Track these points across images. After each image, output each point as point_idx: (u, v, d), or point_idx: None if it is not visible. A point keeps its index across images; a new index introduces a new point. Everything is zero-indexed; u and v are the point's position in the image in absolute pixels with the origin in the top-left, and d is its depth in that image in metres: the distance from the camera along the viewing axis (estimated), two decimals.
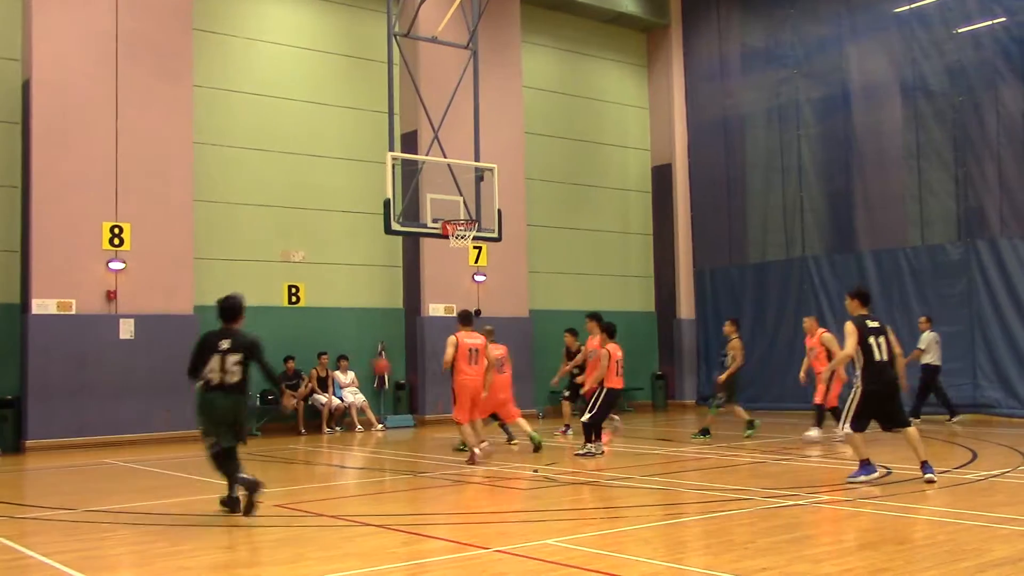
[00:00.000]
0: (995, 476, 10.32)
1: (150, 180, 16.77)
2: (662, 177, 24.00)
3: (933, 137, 18.72)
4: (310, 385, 18.16)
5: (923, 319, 17.23)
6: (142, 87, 16.79)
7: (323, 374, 18.38)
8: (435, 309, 19.80)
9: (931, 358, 16.82)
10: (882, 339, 10.01)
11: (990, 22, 17.80)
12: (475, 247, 19.59)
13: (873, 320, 10.19)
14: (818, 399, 14.91)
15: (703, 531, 7.85)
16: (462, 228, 15.96)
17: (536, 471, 11.52)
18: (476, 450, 12.38)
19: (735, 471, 11.54)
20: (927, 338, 16.90)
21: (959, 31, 18.27)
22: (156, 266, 16.72)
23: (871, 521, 7.80)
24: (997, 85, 17.71)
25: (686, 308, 23.45)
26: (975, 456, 12.09)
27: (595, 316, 14.49)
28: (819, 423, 14.88)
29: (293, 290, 18.81)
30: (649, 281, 24.14)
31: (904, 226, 19.23)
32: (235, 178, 18.39)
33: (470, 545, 7.20)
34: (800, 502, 8.78)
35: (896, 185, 19.43)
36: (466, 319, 13.14)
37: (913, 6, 19.02)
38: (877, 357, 9.86)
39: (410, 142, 19.19)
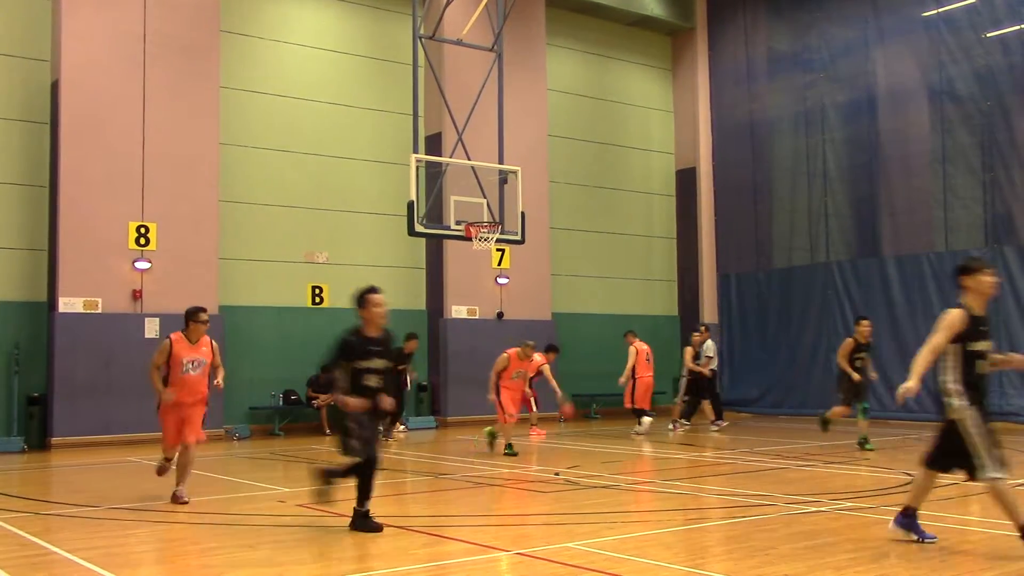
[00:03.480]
0: (1020, 485, 10.21)
1: (177, 180, 16.89)
2: (686, 181, 23.93)
3: (960, 142, 18.55)
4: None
5: (703, 329, 18.73)
6: (170, 88, 16.92)
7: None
8: (458, 311, 19.83)
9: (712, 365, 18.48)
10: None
11: (1020, 26, 17.64)
12: (498, 249, 19.61)
13: None
14: None
15: (725, 536, 7.82)
16: (485, 230, 15.98)
17: (558, 474, 11.51)
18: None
19: (758, 477, 11.48)
20: (710, 347, 18.41)
21: (988, 35, 18.11)
22: (182, 266, 16.83)
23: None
24: None
25: (709, 312, 23.35)
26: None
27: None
28: None
29: (317, 291, 18.89)
30: (672, 285, 24.08)
31: (929, 232, 19.08)
32: (260, 179, 18.50)
33: (491, 547, 7.20)
34: (823, 509, 8.72)
35: (921, 190, 19.27)
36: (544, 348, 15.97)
37: (941, 10, 18.86)
38: None
39: (434, 144, 19.23)
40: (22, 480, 12.46)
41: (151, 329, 16.47)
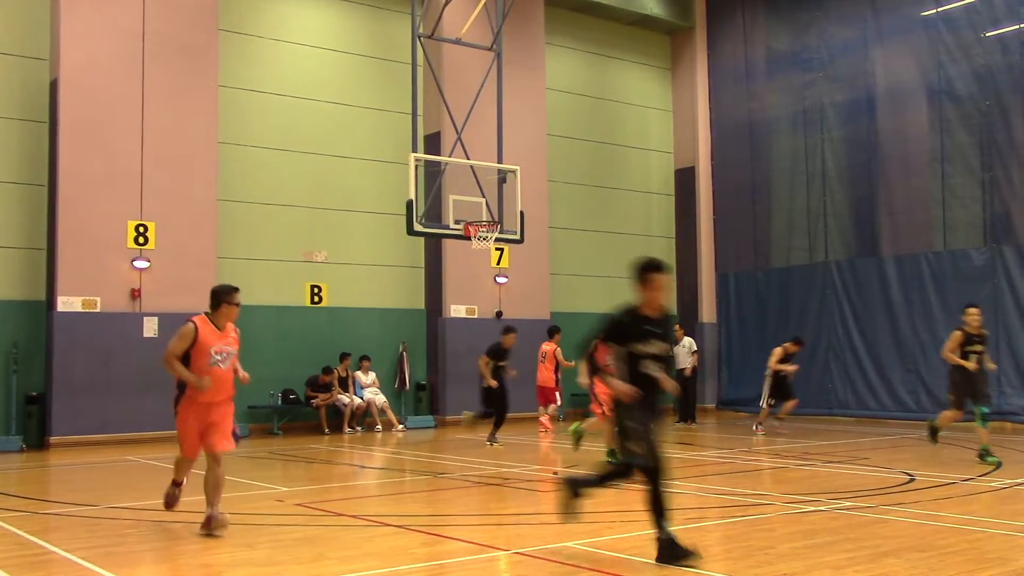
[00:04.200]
0: (1020, 484, 10.22)
1: (175, 179, 16.89)
2: (685, 180, 23.93)
3: (959, 142, 18.55)
4: (334, 389, 18.22)
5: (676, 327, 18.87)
6: (168, 87, 16.91)
7: (344, 374, 18.43)
8: (457, 310, 19.83)
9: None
10: None
11: (1018, 26, 17.64)
12: (497, 248, 19.60)
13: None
14: None
15: (723, 536, 7.82)
16: (484, 229, 16.00)
17: (556, 473, 11.51)
18: None
19: (756, 476, 11.48)
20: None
21: (987, 35, 18.11)
22: (180, 265, 16.83)
23: (893, 528, 7.74)
24: None
25: (708, 312, 23.36)
26: (999, 464, 11.97)
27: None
28: None
29: (315, 290, 18.88)
30: (671, 284, 24.07)
31: (928, 231, 19.08)
32: (259, 178, 18.49)
33: (489, 547, 7.20)
34: (821, 508, 8.72)
35: (920, 190, 19.27)
36: None
37: (940, 9, 18.85)
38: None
39: (433, 143, 19.23)
40: (20, 479, 12.46)
41: (150, 328, 16.47)
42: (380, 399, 18.59)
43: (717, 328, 23.30)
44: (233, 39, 18.32)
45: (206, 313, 7.90)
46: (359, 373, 18.60)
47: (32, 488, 11.67)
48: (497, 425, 15.34)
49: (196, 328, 7.76)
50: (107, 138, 16.35)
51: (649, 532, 6.66)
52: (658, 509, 6.45)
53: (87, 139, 16.18)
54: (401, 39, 19.28)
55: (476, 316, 20.04)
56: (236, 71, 18.31)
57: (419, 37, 16.22)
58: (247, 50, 18.59)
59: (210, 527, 7.67)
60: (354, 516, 8.65)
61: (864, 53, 20.28)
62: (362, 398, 18.43)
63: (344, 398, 18.16)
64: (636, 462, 6.47)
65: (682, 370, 18.57)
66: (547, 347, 16.87)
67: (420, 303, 20.23)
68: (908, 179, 19.45)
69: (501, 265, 20.34)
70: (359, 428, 18.27)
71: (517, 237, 16.58)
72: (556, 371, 16.91)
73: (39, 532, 7.99)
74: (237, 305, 7.97)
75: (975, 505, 8.93)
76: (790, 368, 17.12)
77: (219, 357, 7.80)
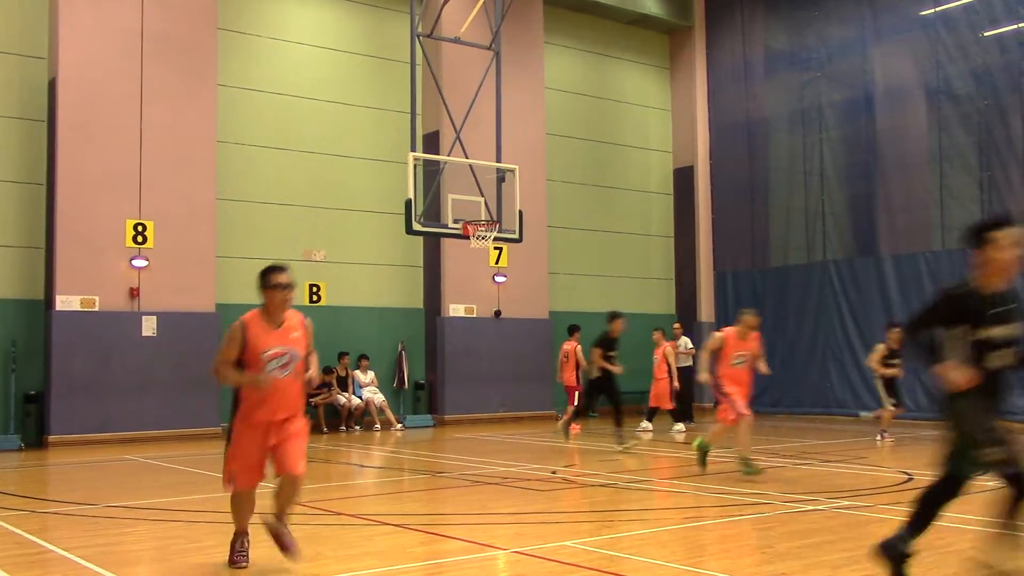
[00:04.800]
0: None
1: (174, 178, 16.88)
2: (684, 179, 23.93)
3: (957, 141, 18.57)
4: (334, 388, 18.22)
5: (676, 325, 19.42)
6: (167, 86, 16.90)
7: (343, 373, 18.43)
8: (455, 309, 19.83)
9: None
10: None
11: (1017, 26, 17.65)
12: (496, 248, 19.61)
13: None
14: None
15: (722, 535, 7.83)
16: (483, 229, 16.00)
17: (555, 472, 11.52)
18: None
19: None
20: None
21: (985, 34, 18.12)
22: (179, 264, 16.82)
23: (891, 527, 7.72)
24: (1023, 89, 17.56)
25: (706, 311, 23.37)
26: None
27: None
28: None
29: (314, 289, 18.88)
30: (670, 283, 24.08)
31: (926, 231, 19.10)
32: (257, 177, 18.49)
33: (488, 546, 7.21)
34: (820, 507, 8.73)
35: (918, 190, 19.29)
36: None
37: (938, 9, 18.87)
38: None
39: (432, 142, 19.22)
40: (19, 478, 12.45)
41: (148, 327, 16.47)
42: (379, 398, 18.59)
43: (715, 327, 23.27)
44: (232, 38, 18.32)
45: (258, 308, 6.35)
46: (358, 372, 18.60)
47: (31, 487, 11.67)
48: (619, 423, 14.12)
49: (244, 327, 6.16)
50: (106, 137, 16.35)
51: (648, 531, 6.66)
52: (929, 517, 5.49)
53: (86, 138, 16.17)
54: (400, 38, 19.28)
55: (475, 315, 20.05)
56: (235, 70, 18.30)
57: (418, 36, 16.22)
58: (246, 49, 18.59)
59: (286, 547, 6.38)
60: (353, 515, 8.65)
61: (862, 53, 20.29)
62: (361, 397, 18.43)
63: (342, 397, 18.16)
64: (1008, 471, 5.27)
65: (680, 369, 18.57)
66: (568, 346, 17.03)
67: (419, 302, 20.23)
68: (906, 179, 19.47)
69: (500, 264, 20.35)
70: (358, 427, 18.27)
71: (516, 236, 16.59)
72: (576, 370, 17.05)
73: (38, 531, 7.99)
74: (282, 288, 6.26)
75: (974, 505, 8.91)
76: (889, 371, 14.78)
77: (275, 364, 6.12)
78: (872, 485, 10.10)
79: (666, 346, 17.68)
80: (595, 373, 14.51)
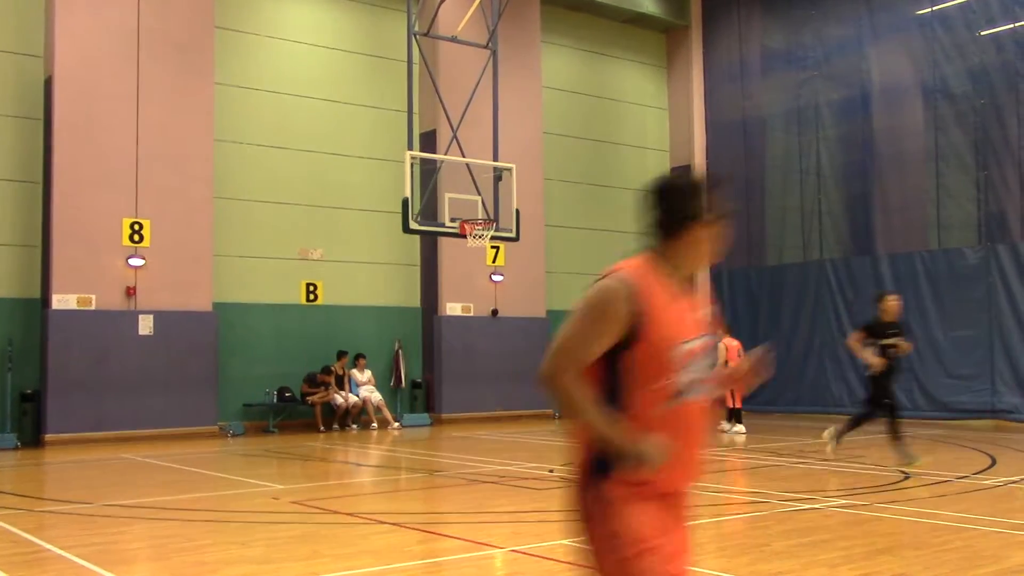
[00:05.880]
0: (1014, 483, 10.25)
1: (171, 177, 16.87)
2: None
3: (953, 140, 18.58)
4: (331, 387, 18.22)
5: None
6: (164, 84, 16.89)
7: (341, 372, 18.43)
8: (452, 308, 19.83)
9: None
10: None
11: (1013, 25, 17.67)
12: (493, 247, 19.60)
13: None
14: None
15: (718, 534, 7.83)
16: (480, 228, 16.00)
17: (552, 471, 11.52)
18: None
19: (751, 474, 11.50)
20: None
21: (981, 34, 18.13)
22: (175, 263, 16.81)
23: (889, 526, 7.76)
24: (1019, 88, 17.57)
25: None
26: (994, 462, 12.00)
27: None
28: None
29: (311, 288, 18.87)
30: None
31: (922, 230, 19.10)
32: (255, 176, 18.47)
33: (485, 544, 7.21)
34: (816, 506, 8.74)
35: (915, 189, 19.29)
36: None
37: (935, 8, 18.88)
38: None
39: (429, 141, 19.22)
40: (15, 477, 12.44)
41: (145, 326, 16.45)
42: (376, 397, 18.58)
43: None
44: (229, 36, 18.30)
45: (649, 251, 3.37)
46: (355, 371, 18.59)
47: (27, 486, 11.66)
48: (872, 422, 12.04)
49: (635, 291, 3.10)
50: (102, 135, 16.33)
51: None
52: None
53: (82, 136, 16.15)
54: (397, 37, 19.25)
55: (472, 314, 20.05)
56: (232, 68, 18.28)
57: (415, 35, 16.21)
58: (243, 47, 18.57)
59: None
60: (349, 514, 8.66)
61: (859, 51, 20.29)
62: (358, 396, 18.42)
63: (339, 396, 18.16)
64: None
65: None
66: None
67: (416, 301, 20.22)
68: (903, 177, 19.47)
69: (497, 263, 20.34)
70: (355, 426, 18.27)
71: (513, 235, 16.59)
72: None
73: (34, 530, 7.99)
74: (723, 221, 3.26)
75: (969, 503, 8.95)
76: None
77: (695, 371, 3.08)
78: (869, 484, 10.11)
79: (726, 341, 16.84)
80: (870, 363, 11.66)
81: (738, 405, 16.85)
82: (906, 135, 19.44)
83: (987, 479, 10.47)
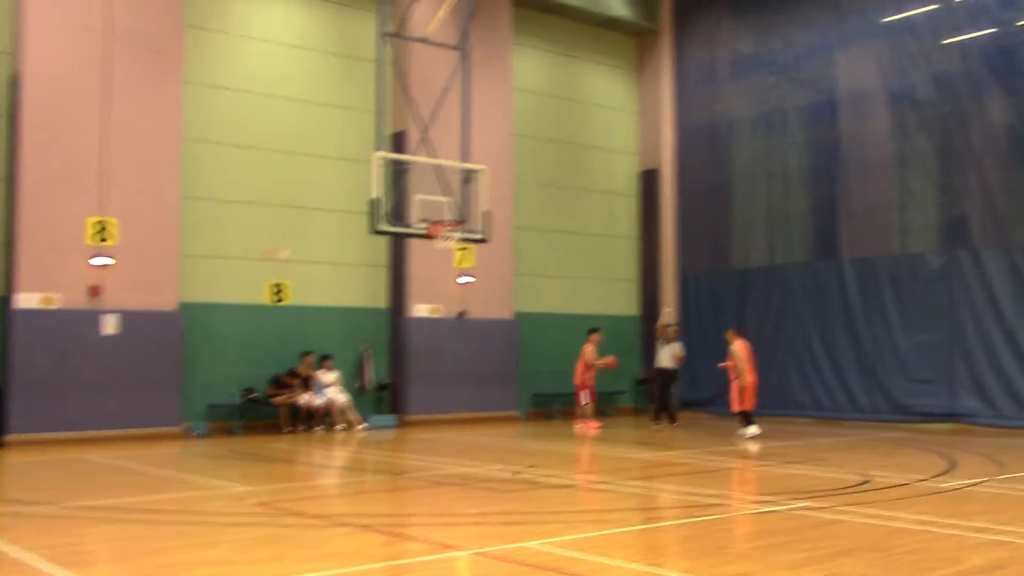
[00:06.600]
0: (971, 485, 10.42)
1: (138, 176, 16.74)
2: (649, 181, 24.06)
3: (918, 147, 18.82)
4: (296, 387, 18.14)
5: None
6: (132, 83, 16.75)
7: (306, 373, 18.36)
8: (420, 310, 19.81)
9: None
10: None
11: (977, 33, 17.93)
12: (461, 248, 19.61)
13: None
14: None
15: (682, 536, 7.91)
16: (449, 229, 16.00)
17: (517, 473, 11.56)
18: None
19: (715, 476, 11.60)
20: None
21: (947, 42, 18.38)
22: (141, 262, 16.68)
23: (849, 528, 7.87)
24: (982, 96, 17.83)
25: (670, 313, 23.48)
26: (952, 465, 12.18)
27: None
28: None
29: (278, 289, 18.78)
30: (634, 285, 24.20)
31: (886, 235, 19.33)
32: (223, 175, 18.35)
33: (450, 546, 7.23)
34: (778, 508, 8.84)
35: (880, 194, 19.52)
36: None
37: (902, 16, 19.10)
38: None
39: (398, 142, 19.20)
40: None
41: (110, 326, 16.31)
42: (342, 398, 18.53)
43: (680, 328, 23.42)
44: (198, 35, 18.17)
45: None
46: (321, 372, 18.52)
47: None
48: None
49: None
50: (69, 133, 16.17)
51: (610, 532, 6.71)
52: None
53: (49, 134, 15.98)
54: (367, 36, 19.22)
55: (439, 316, 20.04)
56: (201, 67, 18.16)
57: (385, 35, 16.20)
58: (212, 46, 18.45)
59: None
60: (315, 515, 8.64)
61: (827, 58, 20.50)
62: (324, 397, 18.36)
63: (303, 397, 18.08)
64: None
65: (662, 369, 19.28)
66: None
67: (383, 302, 20.18)
68: (868, 183, 19.70)
69: (465, 265, 20.35)
70: (321, 427, 18.21)
71: (482, 237, 16.62)
72: (588, 369, 18.58)
73: None
74: None
75: (928, 506, 9.09)
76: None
77: None
78: (830, 487, 10.24)
79: (738, 343, 16.49)
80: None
81: (748, 407, 16.30)
82: (872, 141, 19.67)
83: (945, 482, 10.63)
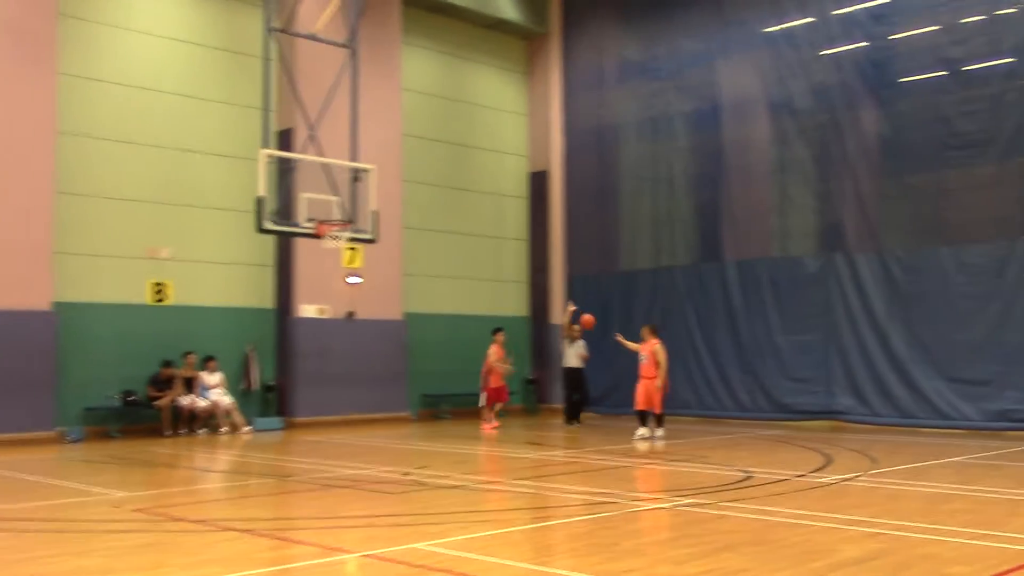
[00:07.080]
0: (846, 480, 10.80)
1: (7, 169, 16.02)
2: (538, 183, 24.24)
3: (797, 154, 19.43)
4: (177, 387, 17.65)
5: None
6: (1, 72, 16.03)
7: (189, 375, 17.88)
8: (307, 310, 19.51)
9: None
10: None
11: (852, 46, 18.61)
12: (350, 248, 19.39)
13: None
14: None
15: (569, 534, 7.97)
16: (337, 229, 15.81)
17: (407, 474, 11.49)
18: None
19: (601, 475, 11.74)
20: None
21: (823, 53, 19.02)
22: (10, 259, 15.96)
23: (731, 523, 8.06)
24: (856, 106, 18.51)
25: (559, 314, 23.70)
26: (829, 461, 12.61)
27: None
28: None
29: (159, 288, 18.23)
30: (523, 286, 24.34)
31: (766, 239, 19.91)
32: (101, 171, 17.71)
33: (337, 549, 7.13)
34: (664, 505, 9.00)
35: (761, 199, 20.09)
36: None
37: (782, 27, 19.69)
38: None
39: (285, 140, 18.87)
40: None
41: None
42: (226, 400, 18.11)
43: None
44: (74, 24, 17.49)
45: None
46: (204, 374, 18.07)
47: None
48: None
49: None
50: None
51: (499, 532, 6.71)
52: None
53: None
54: (253, 32, 18.83)
55: (327, 316, 19.78)
56: (77, 58, 17.49)
57: (271, 30, 15.91)
58: (89, 37, 17.78)
59: None
60: (196, 521, 8.41)
61: (710, 65, 20.99)
62: (208, 399, 17.91)
63: (187, 399, 17.61)
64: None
65: (572, 368, 19.52)
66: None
67: (269, 302, 19.80)
68: (749, 188, 20.25)
69: (353, 265, 20.13)
70: (204, 430, 17.75)
71: (370, 237, 16.47)
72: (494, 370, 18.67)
73: None
74: None
75: (806, 500, 9.38)
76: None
77: None
78: (714, 483, 10.47)
79: (654, 343, 16.01)
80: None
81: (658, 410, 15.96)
82: (753, 147, 20.22)
83: (822, 477, 11.00)
